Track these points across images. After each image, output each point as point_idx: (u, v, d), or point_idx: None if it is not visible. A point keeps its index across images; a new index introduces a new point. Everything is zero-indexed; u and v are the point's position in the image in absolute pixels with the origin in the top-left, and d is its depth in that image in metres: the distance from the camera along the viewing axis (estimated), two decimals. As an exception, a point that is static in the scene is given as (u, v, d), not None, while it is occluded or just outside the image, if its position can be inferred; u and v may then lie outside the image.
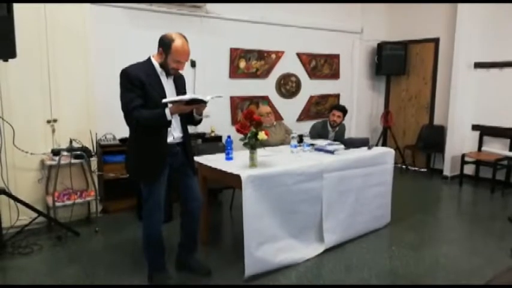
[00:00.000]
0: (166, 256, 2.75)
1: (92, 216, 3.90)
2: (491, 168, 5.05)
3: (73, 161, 3.57)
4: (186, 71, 4.54)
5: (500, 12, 5.22)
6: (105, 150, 4.02)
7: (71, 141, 3.65)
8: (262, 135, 2.78)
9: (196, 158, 3.23)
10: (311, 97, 6.04)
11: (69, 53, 3.71)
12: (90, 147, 3.75)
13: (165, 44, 2.42)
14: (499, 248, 3.35)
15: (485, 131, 5.50)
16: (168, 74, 2.52)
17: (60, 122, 3.72)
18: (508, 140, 5.22)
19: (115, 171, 3.98)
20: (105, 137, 4.15)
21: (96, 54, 3.99)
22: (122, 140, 4.09)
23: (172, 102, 2.36)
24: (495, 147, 5.24)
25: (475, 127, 5.62)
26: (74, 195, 3.65)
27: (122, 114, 2.44)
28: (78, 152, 3.59)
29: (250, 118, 2.78)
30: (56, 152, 3.54)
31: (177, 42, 2.40)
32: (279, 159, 3.21)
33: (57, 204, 3.53)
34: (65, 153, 3.56)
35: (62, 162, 3.51)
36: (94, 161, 3.82)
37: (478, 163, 5.50)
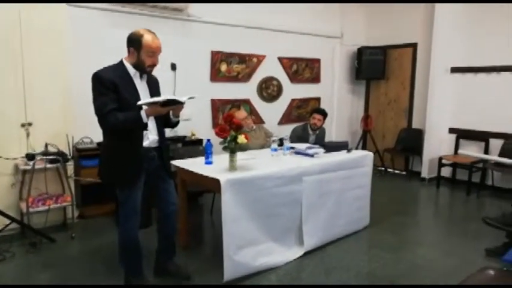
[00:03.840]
0: (145, 262, 2.70)
1: (68, 222, 3.80)
2: (468, 170, 5.17)
3: (48, 165, 3.48)
4: (166, 74, 4.55)
5: (475, 19, 5.37)
6: (82, 154, 3.94)
7: (46, 146, 3.57)
8: (241, 138, 2.77)
9: (175, 162, 3.20)
10: (292, 101, 6.07)
11: (45, 55, 3.63)
12: (67, 151, 3.67)
13: (134, 41, 2.38)
14: (474, 248, 3.43)
15: (461, 134, 5.63)
16: (144, 73, 2.47)
17: (35, 126, 3.63)
18: (483, 143, 5.36)
19: (92, 176, 3.89)
20: (82, 141, 4.07)
21: (75, 57, 3.92)
22: (100, 144, 4.01)
23: (148, 104, 2.33)
24: (471, 150, 5.36)
25: (451, 130, 5.75)
26: (49, 200, 3.55)
27: (99, 117, 2.39)
28: (54, 156, 3.51)
29: (230, 121, 2.77)
30: (30, 157, 3.45)
31: (147, 37, 2.37)
32: (259, 163, 3.20)
33: (31, 210, 3.43)
34: (39, 157, 3.47)
35: (37, 166, 3.42)
36: (70, 166, 3.74)
37: (454, 166, 5.63)
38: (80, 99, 3.90)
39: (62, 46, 3.73)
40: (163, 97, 2.34)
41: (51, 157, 3.50)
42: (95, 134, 3.99)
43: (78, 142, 4.03)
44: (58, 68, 3.72)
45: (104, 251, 3.31)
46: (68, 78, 3.80)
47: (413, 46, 6.15)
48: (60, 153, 3.56)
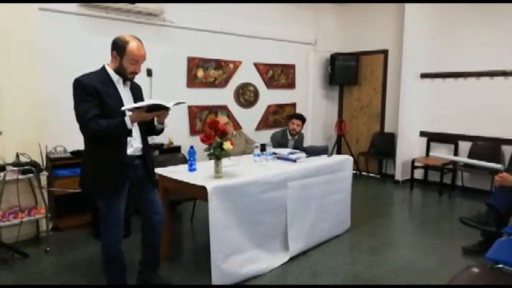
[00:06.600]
0: (127, 274, 2.61)
1: (42, 235, 3.62)
2: (439, 172, 5.37)
3: (20, 176, 3.31)
4: (142, 80, 4.45)
5: (443, 27, 5.61)
6: (56, 164, 3.77)
7: (17, 156, 3.39)
8: (227, 145, 2.74)
9: (158, 170, 3.12)
10: (269, 106, 6.10)
11: (14, 60, 3.45)
12: (39, 161, 3.50)
13: (118, 46, 2.31)
14: (450, 247, 3.54)
15: (432, 137, 5.84)
16: (125, 80, 2.40)
17: (6, 135, 3.43)
18: (453, 146, 5.58)
19: (67, 186, 3.74)
20: (56, 150, 3.90)
21: (46, 62, 3.76)
22: (74, 153, 3.86)
23: (132, 109, 2.25)
24: (441, 152, 5.58)
25: (422, 134, 5.96)
26: (22, 213, 3.37)
27: (73, 125, 2.29)
28: (26, 167, 3.33)
29: (215, 128, 2.73)
30: (0, 168, 3.26)
31: (132, 44, 2.30)
32: (243, 169, 3.18)
33: (1, 224, 3.25)
34: (11, 168, 3.29)
35: (8, 178, 3.24)
36: (44, 176, 3.56)
37: (426, 168, 5.82)
38: (52, 106, 3.76)
39: (33, 51, 3.56)
40: (149, 101, 2.26)
41: (23, 168, 3.32)
42: (69, 142, 3.87)
43: (51, 151, 3.86)
44: (28, 74, 3.54)
45: (81, 264, 3.16)
46: (39, 84, 3.62)
47: (385, 53, 6.35)
48: (32, 164, 3.39)
